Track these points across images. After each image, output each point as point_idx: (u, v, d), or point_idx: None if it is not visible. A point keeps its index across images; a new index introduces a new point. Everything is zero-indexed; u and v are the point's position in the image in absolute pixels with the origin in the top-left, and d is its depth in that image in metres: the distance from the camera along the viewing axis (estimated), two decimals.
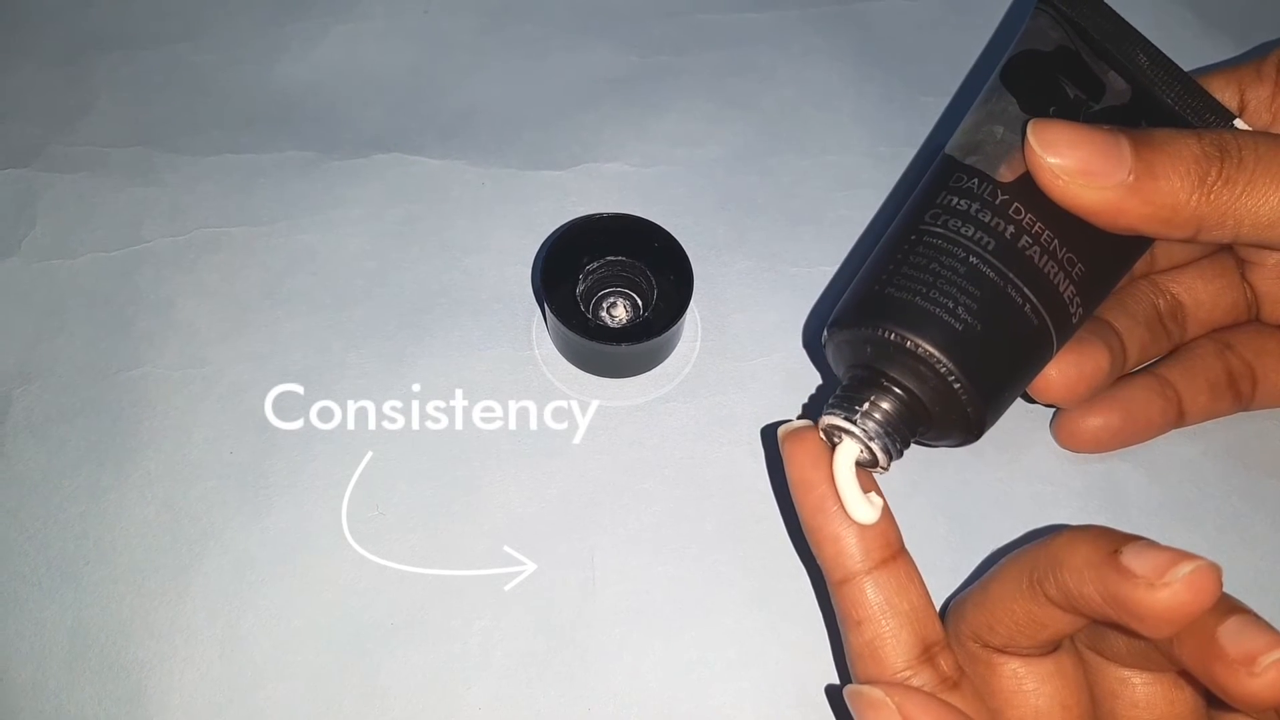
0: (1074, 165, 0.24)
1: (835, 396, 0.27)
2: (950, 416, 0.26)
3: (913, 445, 0.27)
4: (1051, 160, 0.25)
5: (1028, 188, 0.26)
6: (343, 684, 0.28)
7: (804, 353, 0.34)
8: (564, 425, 0.32)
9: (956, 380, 0.25)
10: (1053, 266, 0.26)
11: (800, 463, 0.25)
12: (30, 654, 0.29)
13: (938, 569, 0.30)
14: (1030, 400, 0.31)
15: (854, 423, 0.26)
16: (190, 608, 0.29)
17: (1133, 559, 0.21)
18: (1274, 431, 0.33)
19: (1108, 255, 0.27)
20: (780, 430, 0.27)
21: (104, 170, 0.37)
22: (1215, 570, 0.20)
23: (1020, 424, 0.33)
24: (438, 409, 0.33)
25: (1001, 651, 0.25)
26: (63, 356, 0.33)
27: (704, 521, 0.31)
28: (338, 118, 0.39)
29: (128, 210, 0.36)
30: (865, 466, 0.26)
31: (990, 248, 0.26)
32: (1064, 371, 0.28)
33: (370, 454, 0.32)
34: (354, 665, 0.29)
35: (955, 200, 0.27)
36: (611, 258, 0.33)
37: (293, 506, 0.31)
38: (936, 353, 0.25)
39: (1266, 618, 0.30)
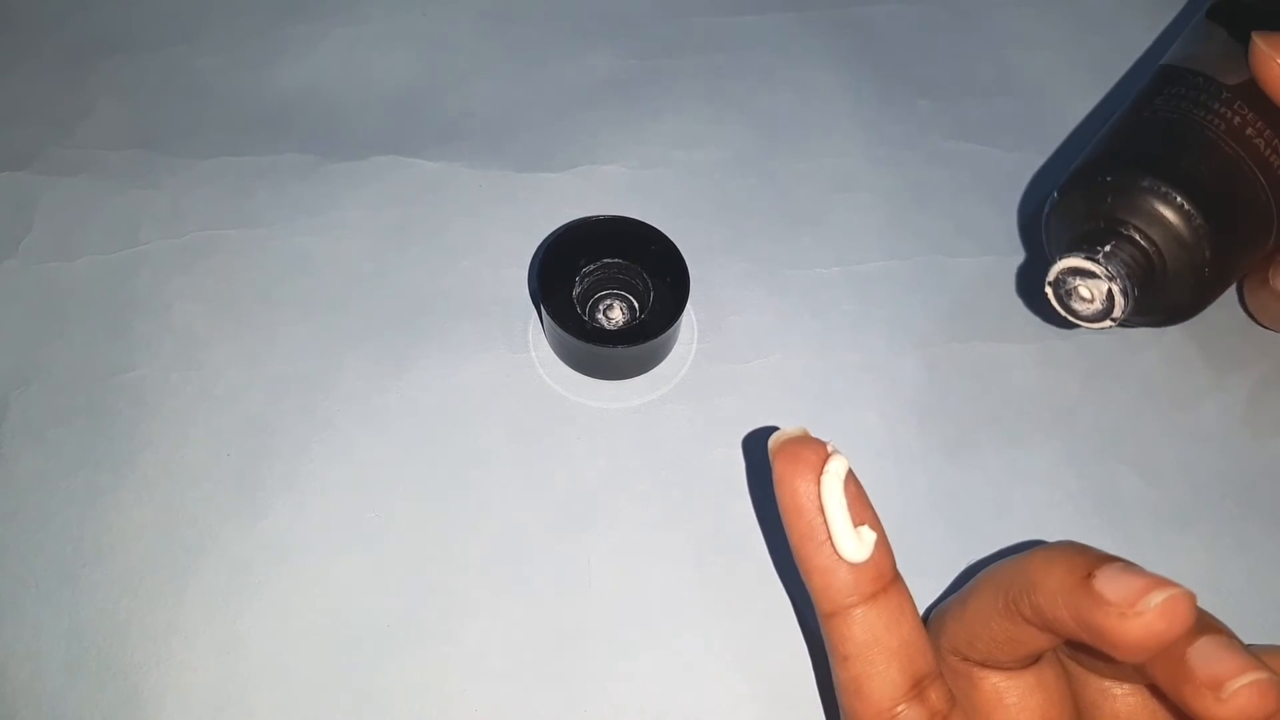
0: None
1: (1071, 243, 0.28)
2: (1185, 273, 0.27)
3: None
4: None
5: (1250, 93, 0.28)
6: (340, 686, 0.28)
7: (801, 355, 0.34)
8: (560, 428, 0.32)
9: (1205, 234, 0.26)
10: (1276, 160, 0.27)
11: (789, 485, 0.23)
12: (27, 656, 0.29)
13: (933, 571, 0.30)
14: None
15: (1097, 261, 0.26)
16: (187, 610, 0.29)
17: (1106, 584, 0.20)
18: (1270, 434, 0.33)
19: None
20: (771, 440, 0.24)
21: (102, 173, 0.37)
22: (1189, 598, 0.20)
23: (1017, 425, 0.33)
24: (435, 412, 0.33)
25: (982, 665, 0.25)
26: (60, 359, 0.33)
27: (701, 524, 0.31)
28: (336, 121, 0.39)
29: (126, 213, 0.36)
30: (1094, 320, 0.27)
31: (1223, 129, 0.27)
32: None
33: (367, 456, 0.32)
34: (351, 668, 0.29)
35: (1184, 90, 0.29)
36: (608, 260, 0.33)
37: (290, 509, 0.31)
38: (1183, 197, 0.26)
39: (1262, 621, 0.30)
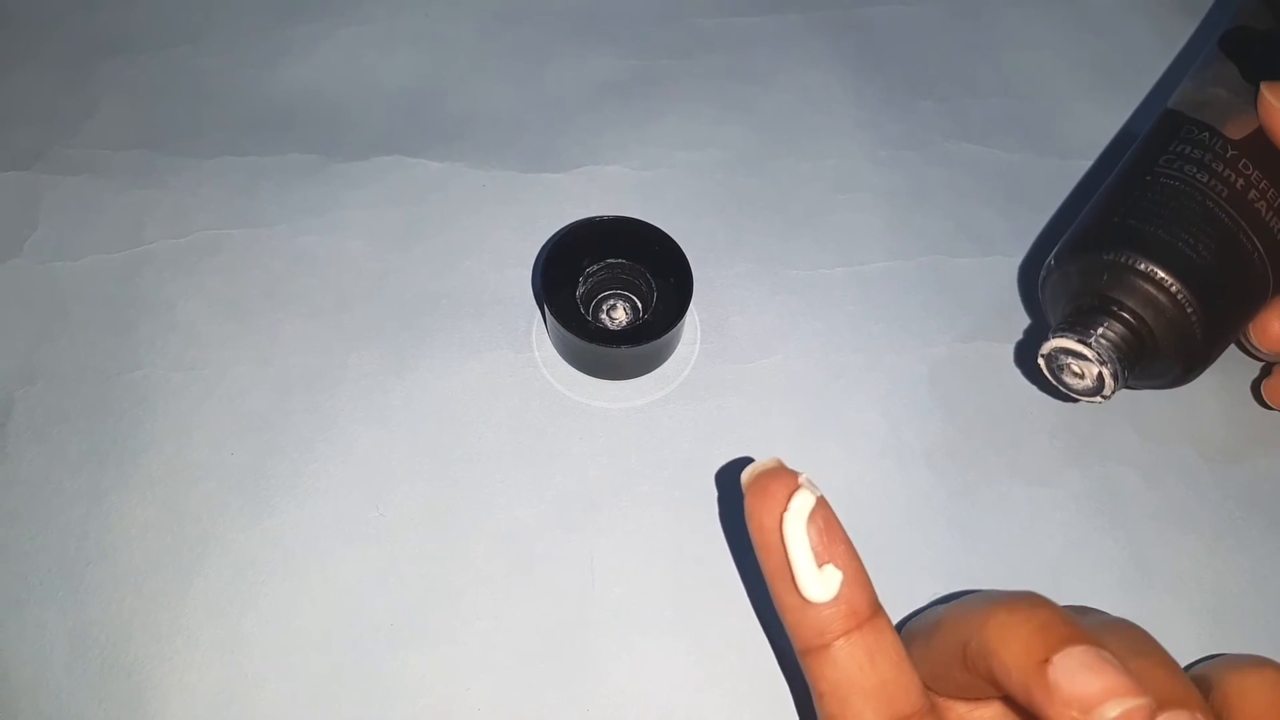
0: None
1: (1063, 321, 0.28)
2: (1176, 349, 0.27)
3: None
4: None
5: (1255, 146, 0.28)
6: (343, 685, 0.29)
7: (804, 355, 0.34)
8: (563, 427, 0.33)
9: (1194, 312, 0.26)
10: (1277, 222, 0.28)
11: (759, 522, 0.23)
12: (31, 655, 0.29)
13: (935, 573, 0.30)
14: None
15: (1088, 345, 0.27)
16: (191, 609, 0.29)
17: (1063, 677, 0.19)
18: (1271, 435, 0.33)
19: None
20: (744, 474, 0.24)
21: (106, 173, 0.37)
22: (1145, 711, 0.19)
23: (1019, 425, 0.33)
24: (438, 411, 0.33)
25: (948, 696, 0.24)
26: (65, 358, 0.33)
27: (703, 524, 0.31)
28: (339, 121, 0.39)
29: (130, 212, 0.36)
30: (1085, 395, 0.28)
31: (1224, 195, 0.27)
32: None
33: (370, 455, 0.32)
34: (354, 666, 0.29)
35: (1189, 149, 0.29)
36: (611, 260, 0.33)
37: (293, 507, 0.31)
38: (1177, 283, 0.26)
39: (1263, 621, 0.30)
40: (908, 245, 0.37)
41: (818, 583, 0.22)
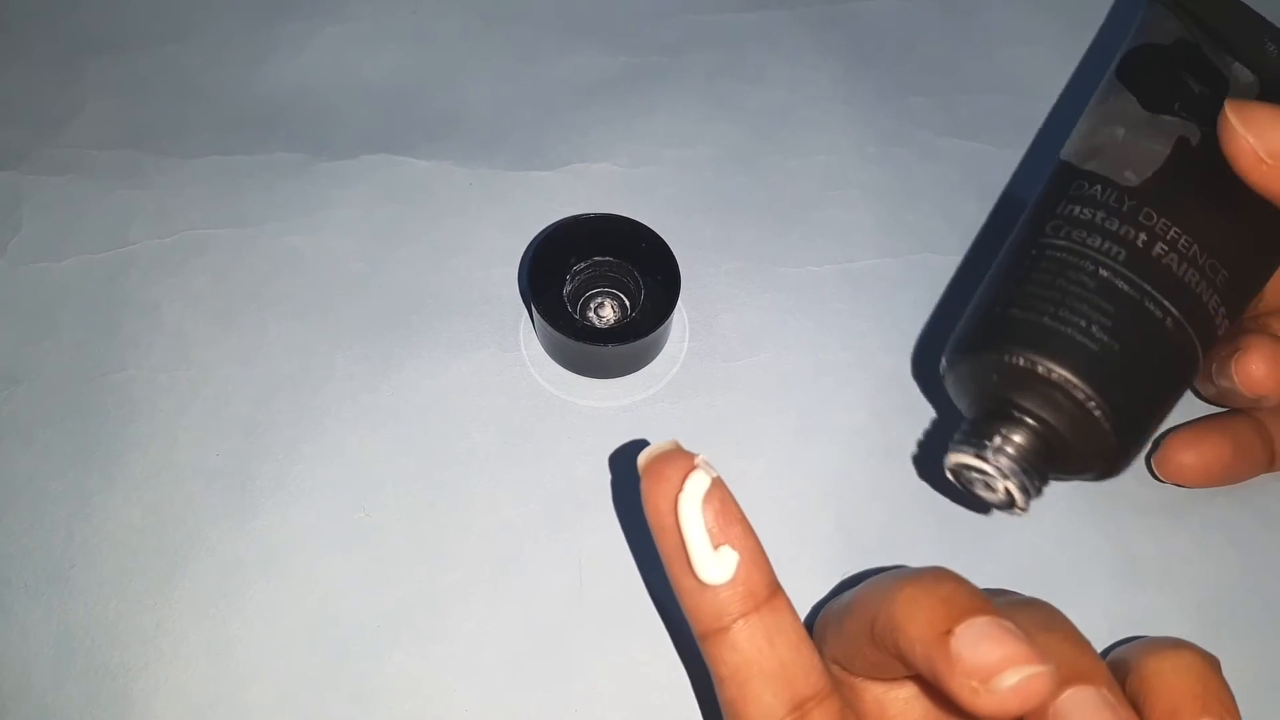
0: None
1: (962, 431, 0.25)
2: (1091, 447, 0.24)
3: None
4: (1256, 141, 0.22)
5: (1159, 190, 0.24)
6: (329, 686, 0.28)
7: (792, 353, 0.34)
8: (551, 427, 0.32)
9: (1096, 407, 0.23)
10: (1193, 274, 0.24)
11: (654, 505, 0.22)
12: (16, 658, 0.29)
13: None
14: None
15: (985, 460, 0.23)
16: (177, 611, 0.29)
17: (964, 648, 0.19)
18: None
19: (1253, 257, 0.25)
20: (640, 457, 0.23)
21: (91, 173, 0.37)
22: (1045, 678, 0.18)
23: None
24: (425, 411, 0.32)
25: (863, 676, 0.24)
26: (49, 360, 0.33)
27: None
28: (326, 119, 0.39)
29: (115, 213, 0.36)
30: (1003, 509, 0.24)
31: (1121, 258, 0.24)
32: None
33: (357, 456, 0.32)
34: (340, 667, 0.29)
35: (1077, 210, 0.25)
36: (599, 258, 0.33)
37: (279, 509, 0.31)
38: (1071, 377, 0.23)
39: (1253, 615, 0.30)
40: (898, 242, 0.36)
41: (714, 564, 0.22)
